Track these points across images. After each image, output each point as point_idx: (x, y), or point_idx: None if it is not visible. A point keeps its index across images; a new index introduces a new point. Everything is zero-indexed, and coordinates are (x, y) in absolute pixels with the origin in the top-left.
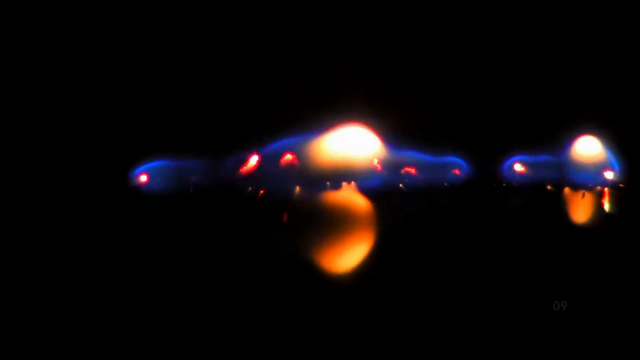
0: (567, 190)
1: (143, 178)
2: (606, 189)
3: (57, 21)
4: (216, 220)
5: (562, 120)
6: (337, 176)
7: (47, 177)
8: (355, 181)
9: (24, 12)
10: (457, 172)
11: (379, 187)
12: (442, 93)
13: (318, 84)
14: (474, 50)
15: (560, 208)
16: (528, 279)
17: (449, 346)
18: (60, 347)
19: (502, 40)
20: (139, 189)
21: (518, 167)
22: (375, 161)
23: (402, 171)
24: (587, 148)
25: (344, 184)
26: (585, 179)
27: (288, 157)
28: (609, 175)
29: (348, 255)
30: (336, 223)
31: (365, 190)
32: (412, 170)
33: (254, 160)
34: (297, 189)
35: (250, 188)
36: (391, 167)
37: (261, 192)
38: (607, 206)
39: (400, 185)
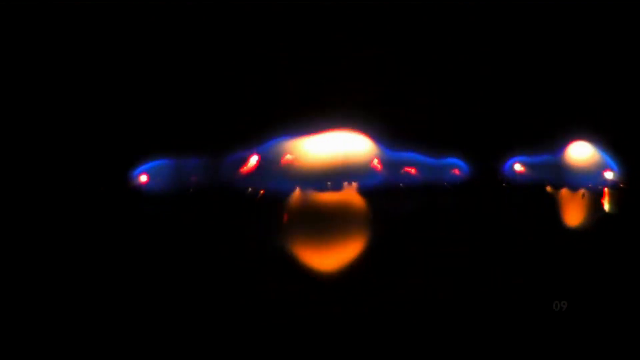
0: (567, 190)
1: (143, 178)
2: (606, 189)
3: (57, 21)
4: (216, 220)
5: (562, 120)
6: (338, 176)
7: (47, 177)
8: (356, 181)
9: (24, 12)
10: (456, 172)
11: (379, 187)
12: (442, 93)
13: (318, 84)
14: (474, 51)
15: (560, 208)
16: (528, 278)
17: (449, 346)
18: (61, 347)
19: (502, 40)
20: (139, 188)
21: (518, 167)
22: (376, 161)
23: (402, 171)
24: (587, 148)
25: (345, 184)
26: (585, 179)
27: (288, 157)
28: (609, 175)
29: (348, 255)
30: (336, 223)
31: (365, 191)
32: (412, 170)
33: (254, 160)
34: (297, 189)
35: (250, 188)
36: (391, 167)
37: (261, 192)
38: (607, 206)
39: (400, 185)
